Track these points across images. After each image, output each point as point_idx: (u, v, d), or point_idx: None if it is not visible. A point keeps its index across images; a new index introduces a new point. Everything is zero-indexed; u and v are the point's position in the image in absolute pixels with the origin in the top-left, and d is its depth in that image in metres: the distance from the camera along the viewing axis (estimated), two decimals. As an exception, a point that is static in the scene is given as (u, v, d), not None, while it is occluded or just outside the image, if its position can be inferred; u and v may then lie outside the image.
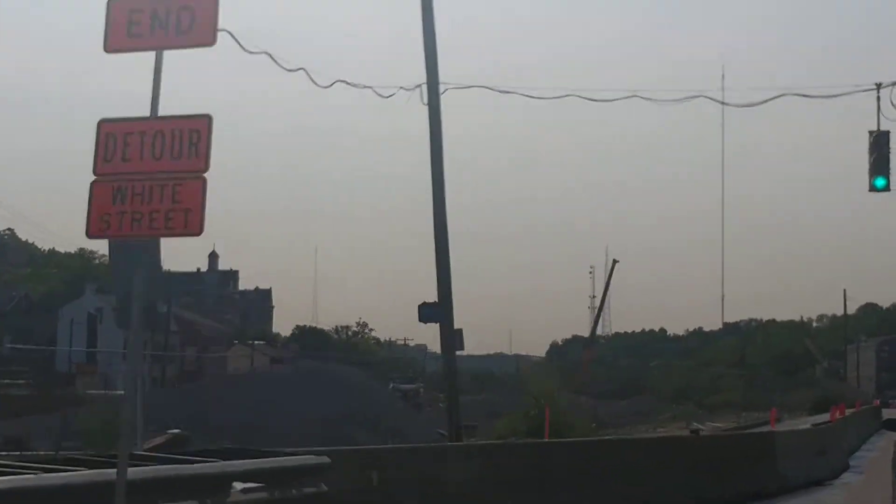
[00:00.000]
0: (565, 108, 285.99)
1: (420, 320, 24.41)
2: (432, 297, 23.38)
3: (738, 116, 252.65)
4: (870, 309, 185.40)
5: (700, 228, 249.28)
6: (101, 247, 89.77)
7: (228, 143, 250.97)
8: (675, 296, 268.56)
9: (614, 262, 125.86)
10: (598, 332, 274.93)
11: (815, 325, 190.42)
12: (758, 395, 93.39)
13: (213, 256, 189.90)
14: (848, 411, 47.68)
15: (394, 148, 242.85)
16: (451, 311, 23.77)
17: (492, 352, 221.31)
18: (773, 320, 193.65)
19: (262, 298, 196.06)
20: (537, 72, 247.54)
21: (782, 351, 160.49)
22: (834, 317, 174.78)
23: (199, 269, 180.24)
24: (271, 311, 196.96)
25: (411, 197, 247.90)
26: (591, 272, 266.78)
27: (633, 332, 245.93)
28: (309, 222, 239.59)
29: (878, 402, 64.34)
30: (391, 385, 75.16)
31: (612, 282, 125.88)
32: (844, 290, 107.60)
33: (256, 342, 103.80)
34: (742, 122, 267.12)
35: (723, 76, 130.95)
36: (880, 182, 24.05)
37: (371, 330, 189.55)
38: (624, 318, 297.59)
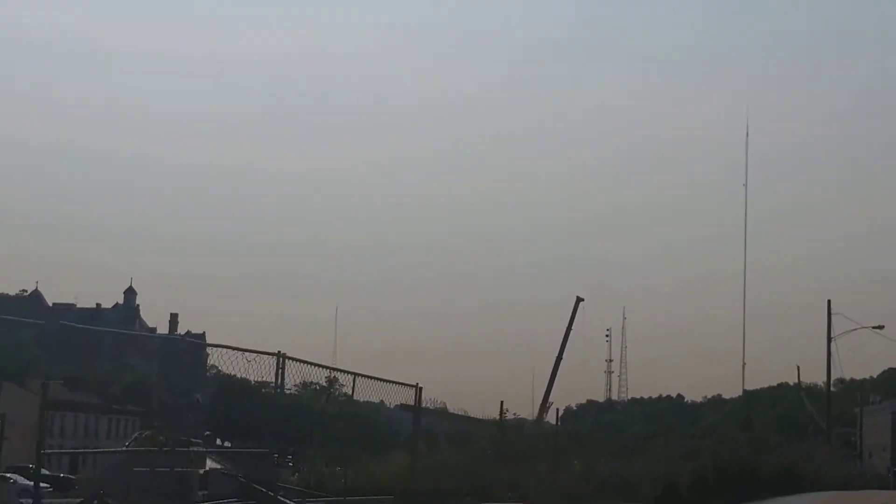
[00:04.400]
0: (582, 175, 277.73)
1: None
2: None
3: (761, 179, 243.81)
4: (893, 374, 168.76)
5: (724, 293, 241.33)
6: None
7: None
8: (696, 363, 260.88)
9: (578, 299, 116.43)
10: (615, 397, 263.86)
11: (832, 389, 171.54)
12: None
13: (129, 293, 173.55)
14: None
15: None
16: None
17: (511, 416, 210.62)
18: (786, 383, 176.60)
19: (193, 345, 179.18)
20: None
21: (786, 414, 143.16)
22: (852, 380, 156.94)
23: (98, 305, 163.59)
24: (204, 360, 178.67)
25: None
26: (607, 336, 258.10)
27: (651, 398, 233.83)
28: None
29: None
30: None
31: (585, 324, 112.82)
32: (829, 302, 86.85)
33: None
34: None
35: (747, 135, 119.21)
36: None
37: (342, 386, 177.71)
38: (643, 384, 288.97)
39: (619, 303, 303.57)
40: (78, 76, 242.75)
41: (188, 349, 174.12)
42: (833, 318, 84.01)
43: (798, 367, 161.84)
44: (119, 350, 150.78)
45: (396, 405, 36.85)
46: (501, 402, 43.79)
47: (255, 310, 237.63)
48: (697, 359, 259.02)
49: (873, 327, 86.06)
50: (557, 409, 56.70)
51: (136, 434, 48.07)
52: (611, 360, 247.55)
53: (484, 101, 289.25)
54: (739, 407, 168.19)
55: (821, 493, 46.77)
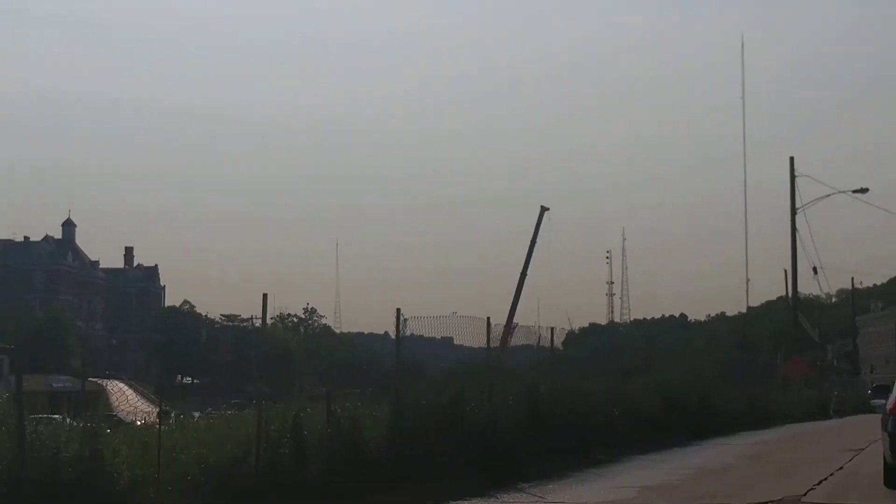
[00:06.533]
0: (585, 96, 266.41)
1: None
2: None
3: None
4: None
5: (724, 208, 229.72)
6: None
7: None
8: (699, 281, 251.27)
9: (542, 208, 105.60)
10: (617, 319, 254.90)
11: (833, 299, 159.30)
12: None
13: (67, 225, 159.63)
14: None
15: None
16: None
17: (520, 344, 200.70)
18: (783, 297, 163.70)
19: (145, 277, 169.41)
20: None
21: (781, 329, 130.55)
22: (856, 289, 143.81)
23: (26, 238, 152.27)
24: (158, 293, 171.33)
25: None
26: (607, 257, 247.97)
27: (653, 318, 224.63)
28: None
29: None
30: None
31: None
32: (791, 160, 69.20)
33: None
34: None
35: (742, 47, 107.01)
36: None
37: (322, 317, 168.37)
38: (646, 304, 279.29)
39: (618, 223, 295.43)
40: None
41: (138, 284, 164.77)
42: (799, 181, 66.03)
43: (786, 272, 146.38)
44: (50, 285, 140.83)
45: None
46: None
47: (240, 243, 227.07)
48: (701, 277, 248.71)
49: (854, 191, 66.44)
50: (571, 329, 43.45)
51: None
52: (612, 283, 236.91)
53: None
54: (737, 324, 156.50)
55: (763, 433, 34.59)
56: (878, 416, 51.59)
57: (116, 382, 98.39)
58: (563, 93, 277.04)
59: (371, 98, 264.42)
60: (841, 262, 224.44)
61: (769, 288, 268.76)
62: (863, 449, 26.70)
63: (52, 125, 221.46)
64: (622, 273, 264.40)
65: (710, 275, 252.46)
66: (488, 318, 24.97)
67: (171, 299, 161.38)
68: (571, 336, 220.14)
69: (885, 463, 18.21)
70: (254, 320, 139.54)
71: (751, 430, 37.60)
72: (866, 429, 40.09)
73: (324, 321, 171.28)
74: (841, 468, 21.45)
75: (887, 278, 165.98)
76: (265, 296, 17.20)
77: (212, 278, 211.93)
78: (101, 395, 62.99)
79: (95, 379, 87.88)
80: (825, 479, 18.91)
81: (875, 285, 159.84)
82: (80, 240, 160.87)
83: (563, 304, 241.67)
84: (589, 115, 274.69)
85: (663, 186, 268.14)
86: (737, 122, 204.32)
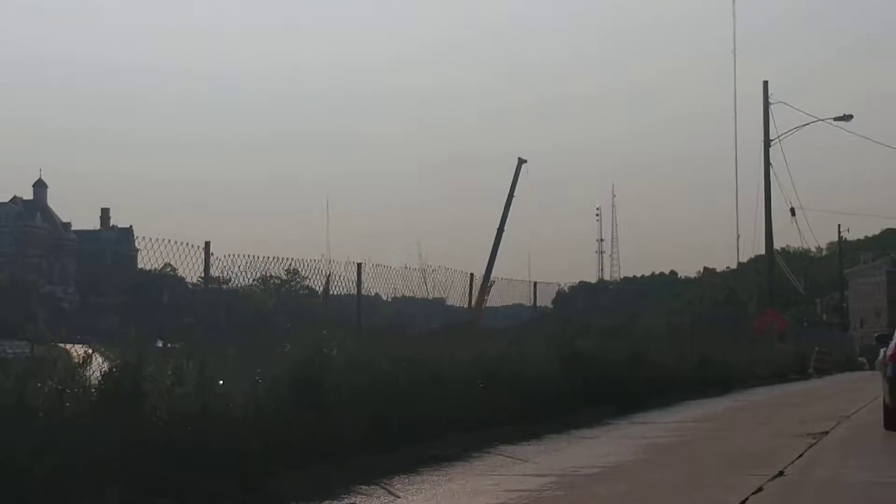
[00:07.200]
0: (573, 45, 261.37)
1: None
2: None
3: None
4: (892, 233, 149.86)
5: (714, 163, 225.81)
6: None
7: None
8: (688, 237, 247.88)
9: (520, 160, 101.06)
10: (607, 277, 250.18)
11: (824, 252, 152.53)
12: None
13: (38, 186, 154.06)
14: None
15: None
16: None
17: (510, 303, 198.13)
18: (777, 251, 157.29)
19: (119, 239, 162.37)
20: None
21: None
22: (845, 241, 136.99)
23: None
24: (133, 255, 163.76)
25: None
26: (597, 214, 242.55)
27: (643, 275, 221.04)
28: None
29: None
30: None
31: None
32: (765, 84, 64.37)
33: None
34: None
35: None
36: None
37: (304, 279, 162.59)
38: (635, 262, 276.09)
39: (608, 178, 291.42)
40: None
41: (111, 246, 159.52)
42: (773, 108, 61.78)
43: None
44: (18, 247, 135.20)
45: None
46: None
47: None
48: (693, 233, 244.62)
49: (836, 118, 63.41)
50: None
51: None
52: (601, 240, 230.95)
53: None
54: (727, 279, 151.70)
55: (710, 402, 27.92)
56: (864, 375, 45.30)
57: (84, 347, 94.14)
58: (548, 46, 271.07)
59: (353, 56, 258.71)
60: (829, 206, 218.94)
61: (761, 243, 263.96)
62: (826, 433, 19.48)
63: (25, 84, 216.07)
64: (612, 230, 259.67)
65: (702, 231, 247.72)
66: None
67: (155, 262, 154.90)
68: (562, 295, 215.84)
69: (885, 406, 19.59)
70: (230, 283, 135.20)
71: (699, 397, 30.47)
72: (844, 395, 33.06)
73: (306, 283, 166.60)
74: (781, 473, 14.16)
75: (879, 229, 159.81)
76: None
77: (200, 241, 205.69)
78: (61, 360, 57.65)
79: (61, 344, 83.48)
80: (745, 500, 11.81)
81: (866, 237, 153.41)
82: (56, 202, 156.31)
83: (553, 263, 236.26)
84: (576, 67, 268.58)
85: (653, 140, 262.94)
86: (727, 71, 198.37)
